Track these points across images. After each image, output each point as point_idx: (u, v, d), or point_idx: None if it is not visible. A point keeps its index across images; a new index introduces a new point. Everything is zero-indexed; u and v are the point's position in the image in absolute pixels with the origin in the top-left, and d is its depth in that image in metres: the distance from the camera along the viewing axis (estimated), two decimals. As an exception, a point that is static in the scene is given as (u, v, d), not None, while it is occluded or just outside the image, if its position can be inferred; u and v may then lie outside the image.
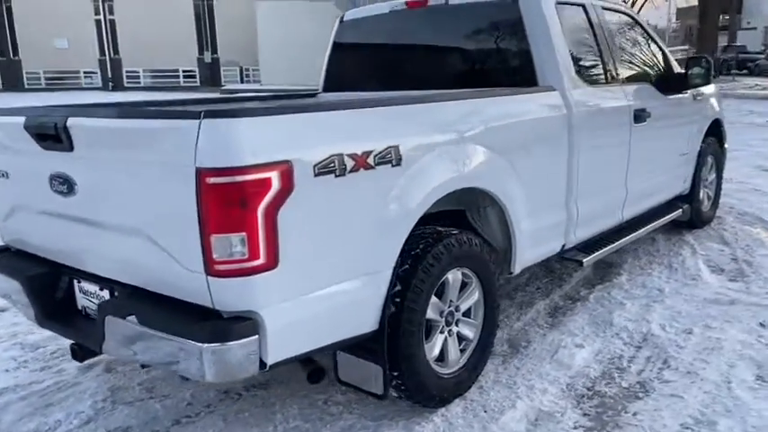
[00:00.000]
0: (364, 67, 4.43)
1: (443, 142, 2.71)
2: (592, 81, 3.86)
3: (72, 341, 2.89)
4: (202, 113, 1.99)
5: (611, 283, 4.38)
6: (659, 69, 4.68)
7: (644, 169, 4.33)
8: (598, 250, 3.93)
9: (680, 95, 4.73)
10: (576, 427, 2.73)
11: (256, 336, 2.09)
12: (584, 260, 3.78)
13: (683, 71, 4.71)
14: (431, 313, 2.77)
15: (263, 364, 2.15)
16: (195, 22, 31.11)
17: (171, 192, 2.08)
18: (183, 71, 30.80)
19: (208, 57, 31.26)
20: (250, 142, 2.01)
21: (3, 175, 2.86)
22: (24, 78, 30.87)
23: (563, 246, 3.66)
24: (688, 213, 5.25)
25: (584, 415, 2.82)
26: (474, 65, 3.93)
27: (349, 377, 2.68)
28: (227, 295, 2.09)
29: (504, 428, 2.73)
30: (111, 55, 30.92)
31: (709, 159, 5.52)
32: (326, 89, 4.55)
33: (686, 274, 4.51)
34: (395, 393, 2.77)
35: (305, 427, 2.79)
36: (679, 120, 4.80)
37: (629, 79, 4.26)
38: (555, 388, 3.04)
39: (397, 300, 2.59)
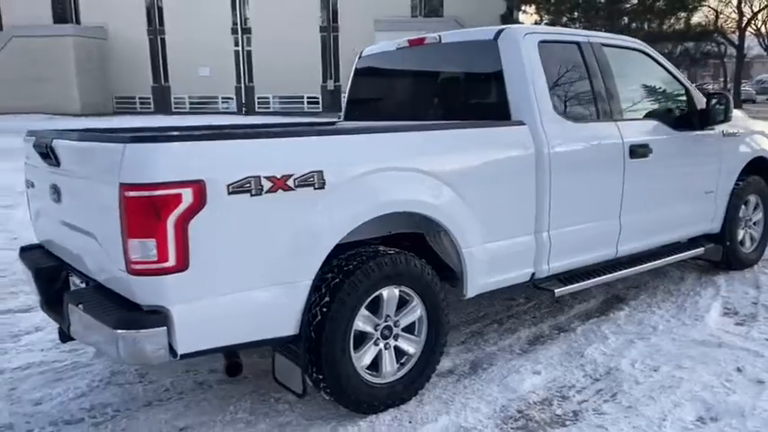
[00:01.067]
0: (374, 98, 4.78)
1: (373, 170, 2.99)
2: (577, 117, 3.95)
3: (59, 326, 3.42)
4: (128, 138, 2.44)
5: (607, 317, 4.37)
6: (672, 106, 4.64)
7: (646, 205, 4.31)
8: (580, 282, 3.98)
9: (699, 132, 4.64)
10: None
11: (164, 327, 2.48)
12: (557, 290, 3.86)
13: (703, 107, 4.62)
14: (362, 325, 3.04)
15: (175, 353, 2.53)
16: (321, 52, 32.94)
17: (107, 202, 2.53)
18: (308, 97, 32.73)
19: (330, 84, 32.93)
20: (165, 163, 2.43)
21: (31, 184, 3.50)
22: (172, 102, 34.10)
23: (533, 274, 3.77)
24: (719, 253, 5.08)
25: (501, 434, 2.95)
26: (459, 98, 4.17)
27: (280, 376, 3.01)
28: (144, 291, 2.51)
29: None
30: (246, 82, 33.46)
31: (752, 198, 5.29)
32: (347, 118, 4.94)
33: (692, 314, 4.39)
34: (326, 396, 3.05)
35: (248, 419, 3.14)
36: (697, 157, 4.70)
37: (629, 115, 4.29)
38: (488, 408, 3.18)
39: (324, 309, 2.89)
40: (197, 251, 2.50)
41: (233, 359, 2.89)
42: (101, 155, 2.58)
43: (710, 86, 36.19)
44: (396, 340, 3.20)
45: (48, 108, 29.94)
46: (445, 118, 4.04)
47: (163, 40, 33.85)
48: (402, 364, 3.24)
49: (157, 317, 2.48)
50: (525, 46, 3.76)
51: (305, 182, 2.75)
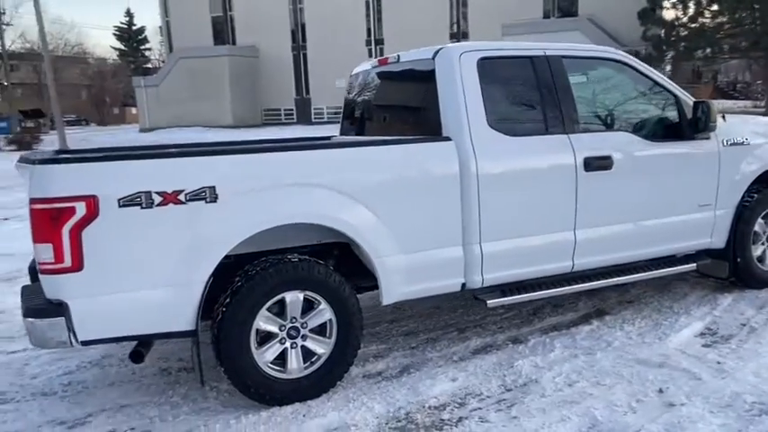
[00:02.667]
0: (354, 114, 5.07)
1: (270, 186, 3.33)
2: (517, 132, 4.00)
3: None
4: (36, 161, 3.00)
5: (569, 331, 4.34)
6: (652, 116, 4.47)
7: (611, 218, 4.23)
8: (524, 294, 4.02)
9: (684, 142, 4.43)
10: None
11: (63, 318, 2.99)
12: (489, 302, 3.95)
13: (690, 117, 4.41)
14: (264, 325, 3.38)
15: (77, 340, 3.04)
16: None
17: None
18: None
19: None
20: (61, 181, 2.96)
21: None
22: (312, 113, 36.10)
23: (463, 284, 3.88)
24: (724, 270, 4.78)
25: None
26: (404, 115, 4.39)
27: (193, 364, 3.43)
28: (48, 287, 3.06)
29: (301, 430, 3.21)
30: (381, 92, 34.59)
31: (775, 212, 4.90)
32: (342, 133, 5.28)
33: (661, 333, 4.22)
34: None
35: (177, 402, 3.60)
36: (683, 168, 4.47)
37: (590, 127, 4.24)
38: (382, 409, 3.39)
39: (224, 309, 3.29)
40: (91, 255, 3.00)
41: (138, 348, 3.36)
42: (30, 174, 3.14)
43: None
44: (304, 340, 3.51)
45: (205, 122, 32.97)
46: (393, 134, 4.25)
47: (305, 56, 35.93)
48: (312, 363, 3.54)
49: (58, 308, 3.01)
50: (462, 64, 3.89)
51: (197, 196, 3.16)
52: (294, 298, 3.45)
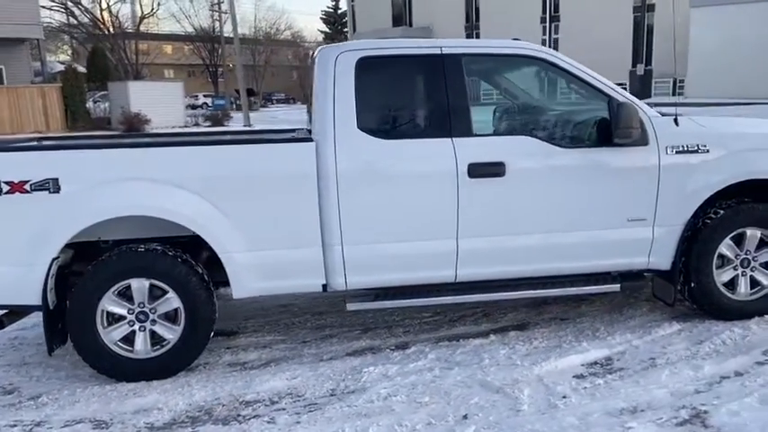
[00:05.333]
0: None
1: (114, 179, 3.63)
2: (391, 134, 3.88)
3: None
4: None
5: (461, 342, 4.15)
6: (563, 119, 4.02)
7: (503, 228, 3.93)
8: (392, 300, 3.95)
9: (608, 149, 3.93)
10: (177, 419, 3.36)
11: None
12: (348, 305, 3.93)
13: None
14: (111, 307, 3.73)
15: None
16: (633, 35, 30.70)
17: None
18: (614, 84, 30.85)
19: (640, 69, 30.46)
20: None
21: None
22: (481, 94, 35.75)
23: (324, 286, 3.89)
24: (670, 295, 4.18)
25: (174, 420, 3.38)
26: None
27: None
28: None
29: (124, 405, 3.52)
30: (552, 71, 33.16)
31: (751, 232, 4.14)
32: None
33: (545, 356, 3.85)
34: (90, 362, 3.84)
35: (38, 377, 3.96)
36: (603, 178, 3.97)
37: (485, 131, 3.96)
38: (200, 395, 3.58)
39: (72, 289, 3.70)
40: (-49, 235, 3.55)
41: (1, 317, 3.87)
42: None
43: None
44: (153, 325, 3.80)
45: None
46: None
47: (477, 35, 35.55)
48: (162, 346, 3.82)
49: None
50: (338, 64, 3.86)
51: (41, 186, 3.57)
52: (140, 285, 3.73)
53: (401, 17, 38.32)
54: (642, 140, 3.95)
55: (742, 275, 4.22)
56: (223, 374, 3.86)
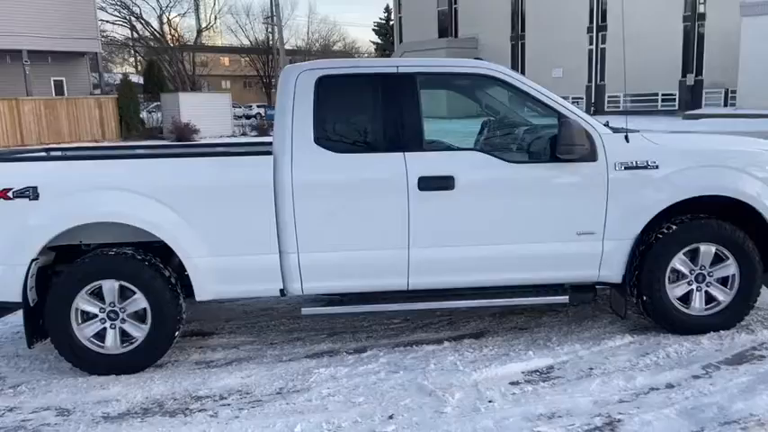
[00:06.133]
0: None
1: (87, 189, 3.97)
2: (345, 149, 4.11)
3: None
4: None
5: (414, 348, 4.30)
6: (512, 135, 4.16)
7: (452, 239, 4.10)
8: (345, 306, 4.16)
9: (555, 165, 4.05)
10: (131, 410, 3.64)
11: None
12: (303, 310, 4.17)
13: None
14: (84, 305, 4.06)
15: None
16: (683, 44, 29.99)
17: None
18: (663, 95, 30.12)
19: (690, 79, 29.67)
20: None
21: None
22: (528, 104, 35.55)
23: (281, 290, 4.13)
24: (621, 307, 4.25)
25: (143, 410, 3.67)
26: None
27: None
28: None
29: (88, 396, 3.84)
30: (597, 81, 32.61)
31: (706, 248, 4.17)
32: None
33: (488, 363, 3.99)
34: (67, 355, 4.19)
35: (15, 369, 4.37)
36: (550, 192, 4.08)
37: (435, 146, 4.13)
38: (159, 389, 3.87)
39: (51, 289, 4.06)
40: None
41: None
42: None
43: None
44: (123, 323, 4.11)
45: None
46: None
47: (523, 45, 35.39)
48: (131, 343, 4.13)
49: None
50: (298, 83, 4.12)
51: (22, 194, 3.94)
52: (110, 286, 4.06)
53: (447, 29, 38.48)
54: (590, 156, 4.06)
55: (697, 290, 4.26)
56: (186, 371, 4.14)
